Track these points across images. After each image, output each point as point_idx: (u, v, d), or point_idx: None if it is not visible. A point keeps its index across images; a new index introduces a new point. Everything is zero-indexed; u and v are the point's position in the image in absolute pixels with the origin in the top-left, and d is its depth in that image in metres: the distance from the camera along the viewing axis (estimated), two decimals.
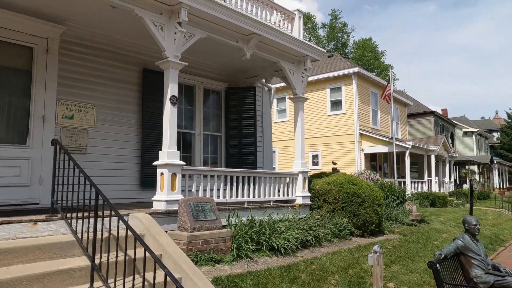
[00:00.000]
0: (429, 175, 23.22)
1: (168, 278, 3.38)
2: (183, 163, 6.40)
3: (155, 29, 6.29)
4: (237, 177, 7.70)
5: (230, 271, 5.41)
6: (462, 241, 6.33)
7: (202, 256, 5.54)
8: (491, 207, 22.04)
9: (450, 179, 27.76)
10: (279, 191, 8.68)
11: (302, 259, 6.58)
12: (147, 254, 3.82)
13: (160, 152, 6.34)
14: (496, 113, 71.56)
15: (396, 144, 20.33)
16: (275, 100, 25.02)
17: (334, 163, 17.23)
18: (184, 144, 9.36)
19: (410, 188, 20.62)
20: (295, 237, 6.88)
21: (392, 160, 22.89)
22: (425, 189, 22.18)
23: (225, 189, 7.39)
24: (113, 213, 4.24)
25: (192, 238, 5.53)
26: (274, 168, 21.25)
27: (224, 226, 6.41)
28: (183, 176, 6.59)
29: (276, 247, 6.48)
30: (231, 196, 7.51)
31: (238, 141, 10.11)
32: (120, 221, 4.10)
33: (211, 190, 7.12)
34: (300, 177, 8.99)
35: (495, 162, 38.67)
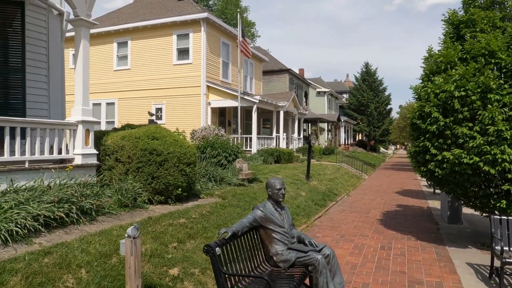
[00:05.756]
0: (278, 131, 22.81)
1: None
2: None
3: None
4: None
5: None
6: (262, 210, 4.86)
7: None
8: (333, 162, 22.72)
9: (299, 135, 28.15)
10: (47, 147, 6.24)
11: (38, 248, 4.39)
12: None
13: None
14: (347, 76, 77.72)
15: (243, 98, 19.09)
16: (115, 45, 21.60)
17: (150, 114, 15.08)
18: None
19: (256, 144, 19.79)
20: (35, 214, 4.64)
21: (242, 115, 21.88)
22: (273, 145, 21.69)
23: None
24: None
25: None
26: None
27: None
28: None
29: None
30: None
31: (2, 78, 7.20)
32: None
33: None
34: (81, 128, 6.64)
35: (342, 120, 41.25)
